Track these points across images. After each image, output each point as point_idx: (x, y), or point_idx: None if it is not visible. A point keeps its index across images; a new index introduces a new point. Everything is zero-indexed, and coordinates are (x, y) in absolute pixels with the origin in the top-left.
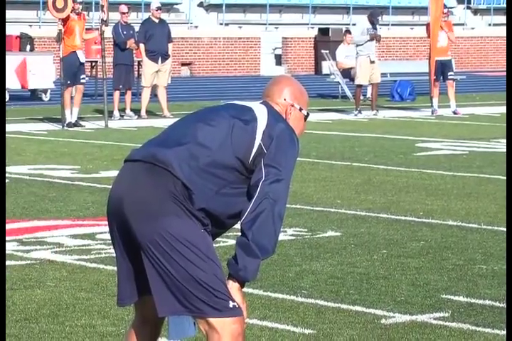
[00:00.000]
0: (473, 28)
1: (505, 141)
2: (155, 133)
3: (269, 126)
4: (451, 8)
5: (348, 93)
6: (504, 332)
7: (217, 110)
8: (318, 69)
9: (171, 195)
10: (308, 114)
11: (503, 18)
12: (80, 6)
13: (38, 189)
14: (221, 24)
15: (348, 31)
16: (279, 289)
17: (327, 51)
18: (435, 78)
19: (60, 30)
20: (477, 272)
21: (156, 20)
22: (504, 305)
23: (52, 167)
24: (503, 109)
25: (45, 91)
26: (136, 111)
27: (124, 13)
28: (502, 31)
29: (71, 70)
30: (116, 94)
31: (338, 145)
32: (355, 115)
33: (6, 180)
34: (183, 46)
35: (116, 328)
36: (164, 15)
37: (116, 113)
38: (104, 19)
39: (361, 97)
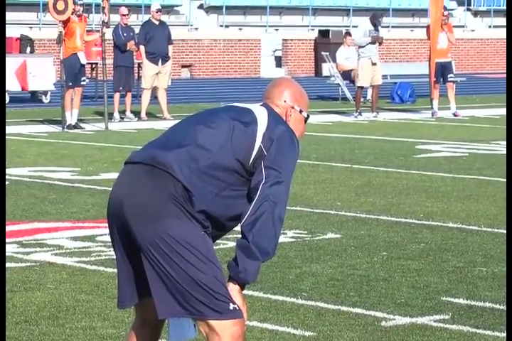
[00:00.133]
0: (473, 30)
1: (505, 143)
2: (155, 135)
3: (269, 128)
4: (451, 10)
5: (348, 95)
6: (504, 335)
7: (218, 112)
8: (318, 71)
9: (171, 197)
10: (308, 116)
11: (503, 20)
12: (81, 8)
13: (38, 191)
14: (221, 26)
15: (348, 33)
16: (280, 291)
17: (327, 53)
18: (435, 80)
19: (60, 32)
20: (477, 274)
21: (157, 22)
22: (504, 308)
23: (53, 169)
24: (503, 111)
25: (45, 93)
26: (137, 113)
27: (124, 15)
28: (502, 33)
29: (72, 72)
30: (117, 96)
31: (338, 147)
32: (356, 117)
33: (6, 182)
34: (183, 48)
35: (117, 330)
36: (164, 17)
37: (116, 115)
38: (106, 21)
39: (361, 99)
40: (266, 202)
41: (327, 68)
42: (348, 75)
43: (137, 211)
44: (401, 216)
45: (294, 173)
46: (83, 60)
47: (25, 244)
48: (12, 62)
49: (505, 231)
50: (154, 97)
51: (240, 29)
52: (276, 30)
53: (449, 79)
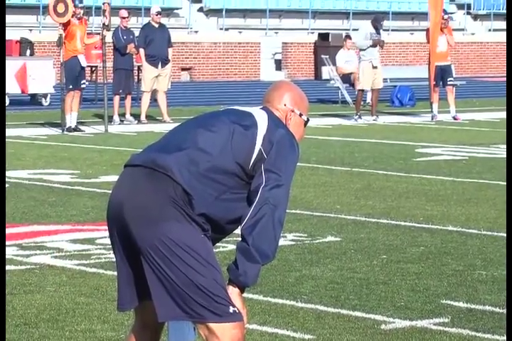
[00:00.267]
0: (473, 34)
1: (504, 146)
2: (155, 138)
3: (269, 132)
4: (451, 13)
5: (348, 98)
6: (504, 338)
7: (218, 115)
8: (318, 74)
9: (170, 200)
10: (308, 120)
11: (503, 24)
12: (81, 11)
13: (38, 194)
14: (221, 29)
15: (348, 36)
16: (279, 294)
17: (327, 56)
18: (435, 83)
19: (60, 34)
20: (477, 278)
21: (156, 25)
22: (504, 311)
23: (52, 172)
24: (503, 115)
25: (45, 95)
26: (136, 116)
27: (124, 18)
28: (502, 37)
29: (72, 75)
30: (116, 98)
31: (337, 150)
32: (356, 120)
33: (6, 185)
34: (183, 51)
35: (116, 333)
36: (164, 20)
37: (116, 118)
38: (106, 24)
39: (361, 102)
40: (266, 205)
41: (327, 71)
42: (347, 78)
43: (137, 214)
44: (401, 219)
45: (294, 176)
46: (83, 63)
47: (24, 247)
48: (12, 65)
49: (504, 235)
50: (154, 100)
51: (240, 32)
52: (276, 33)
53: (449, 83)
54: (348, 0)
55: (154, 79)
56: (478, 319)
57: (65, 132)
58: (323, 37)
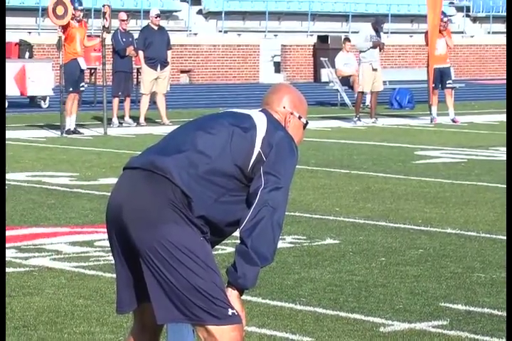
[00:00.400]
0: (472, 36)
1: (503, 149)
2: (154, 140)
3: (268, 134)
4: (450, 16)
5: (347, 101)
6: (503, 340)
7: (217, 118)
8: (317, 76)
9: (169, 203)
10: (307, 122)
11: (502, 26)
12: (81, 14)
13: (37, 196)
14: (220, 31)
15: (347, 39)
16: (278, 297)
17: (326, 59)
18: (434, 86)
19: (60, 37)
20: (476, 280)
21: (155, 28)
22: (503, 313)
23: (51, 174)
24: (502, 117)
25: (44, 98)
26: (135, 119)
27: (123, 21)
28: (501, 39)
29: (72, 77)
30: (115, 101)
31: (336, 152)
32: (355, 122)
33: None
34: (182, 53)
35: (115, 335)
36: (163, 23)
37: (115, 120)
38: (106, 26)
39: (360, 105)
40: (265, 207)
41: (326, 74)
42: (346, 81)
43: (136, 216)
44: (399, 222)
45: (293, 179)
46: (83, 66)
47: (23, 249)
48: (11, 67)
49: (503, 237)
50: (153, 103)
51: (239, 34)
52: (275, 35)
53: (448, 86)
54: (347, 2)
55: (153, 81)
56: (476, 321)
57: (64, 134)
58: (323, 39)
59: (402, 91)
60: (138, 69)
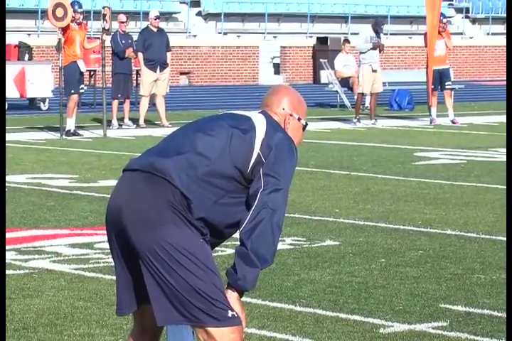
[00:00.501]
0: (471, 37)
1: (503, 150)
2: (153, 142)
3: (267, 136)
4: (450, 17)
5: (347, 102)
6: None
7: (216, 120)
8: (316, 78)
9: (169, 205)
10: (306, 124)
11: (501, 28)
12: (81, 16)
13: (36, 198)
14: (220, 33)
15: (346, 40)
16: (278, 298)
17: (325, 60)
18: (433, 87)
19: (59, 39)
20: (475, 281)
21: (155, 30)
22: (502, 315)
23: (51, 176)
24: (501, 118)
25: (43, 100)
26: (135, 121)
27: (122, 22)
28: (500, 40)
29: (72, 79)
30: (115, 103)
31: (336, 154)
32: (354, 123)
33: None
34: (181, 55)
35: (115, 337)
36: (163, 25)
37: (114, 122)
38: (106, 28)
39: (360, 106)
40: (264, 209)
41: (325, 75)
42: (346, 82)
43: (136, 218)
44: (399, 223)
45: (293, 180)
46: (83, 68)
47: (23, 251)
48: (10, 69)
49: (503, 238)
50: (152, 104)
51: (239, 36)
52: (275, 37)
53: (447, 87)
54: (347, 4)
55: (153, 83)
56: (476, 323)
57: (64, 136)
58: (322, 41)
59: (402, 92)
60: (137, 71)
